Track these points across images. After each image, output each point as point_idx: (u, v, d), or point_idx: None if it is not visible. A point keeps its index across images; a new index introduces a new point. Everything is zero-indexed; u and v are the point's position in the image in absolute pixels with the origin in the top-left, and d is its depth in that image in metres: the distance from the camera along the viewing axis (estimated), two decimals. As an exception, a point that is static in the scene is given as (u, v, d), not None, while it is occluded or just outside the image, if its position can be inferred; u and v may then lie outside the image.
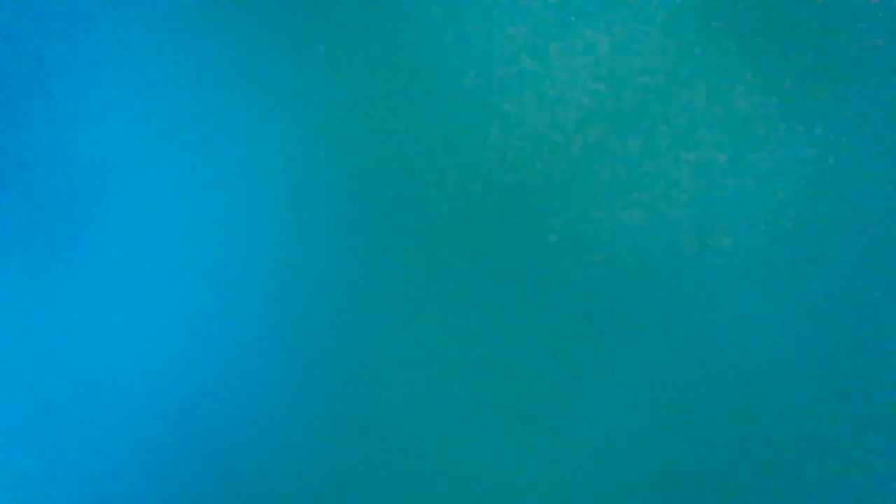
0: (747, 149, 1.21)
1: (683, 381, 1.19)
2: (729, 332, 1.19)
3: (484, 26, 1.24)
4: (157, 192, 1.24)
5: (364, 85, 1.24)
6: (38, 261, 1.23)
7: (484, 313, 1.22)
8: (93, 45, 1.25)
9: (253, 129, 1.25)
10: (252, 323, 1.22)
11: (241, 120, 1.25)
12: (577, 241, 1.21)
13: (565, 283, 1.21)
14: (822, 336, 1.19)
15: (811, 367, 1.19)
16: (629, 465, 1.19)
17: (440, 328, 1.22)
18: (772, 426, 1.18)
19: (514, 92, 1.24)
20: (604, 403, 1.20)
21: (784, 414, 1.19)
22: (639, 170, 1.22)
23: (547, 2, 1.24)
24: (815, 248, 1.20)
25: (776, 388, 1.19)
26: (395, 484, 1.20)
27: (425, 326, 1.22)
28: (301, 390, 1.22)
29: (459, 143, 1.23)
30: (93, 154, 1.25)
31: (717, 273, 1.20)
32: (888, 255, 1.19)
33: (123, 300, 1.23)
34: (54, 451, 1.21)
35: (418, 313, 1.22)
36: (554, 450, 1.19)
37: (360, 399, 1.21)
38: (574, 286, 1.21)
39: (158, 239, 1.23)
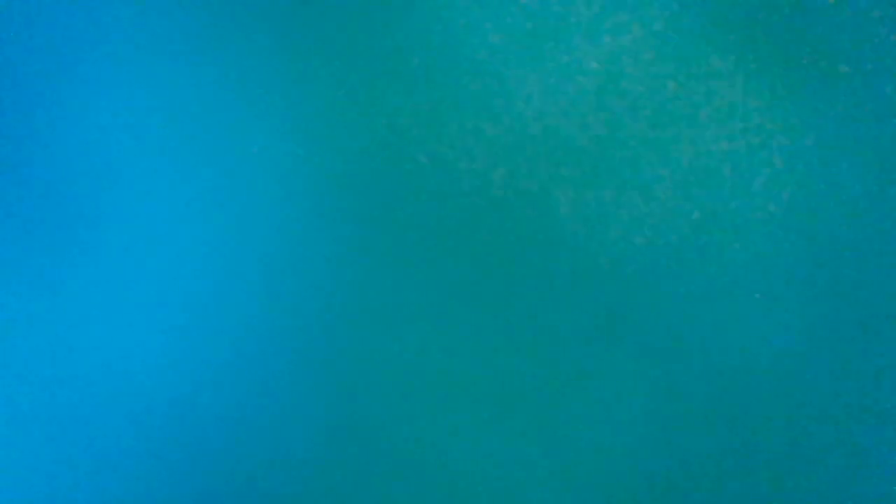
0: (749, 150, 1.21)
1: (684, 382, 1.20)
2: (730, 332, 1.19)
3: (486, 28, 1.24)
4: (158, 193, 1.24)
5: (366, 85, 1.25)
6: (38, 260, 1.23)
7: (484, 314, 1.22)
8: (93, 44, 1.26)
9: (252, 130, 1.25)
10: (252, 322, 1.22)
11: (241, 121, 1.25)
12: (578, 243, 1.21)
13: (566, 285, 1.21)
14: (822, 335, 1.19)
15: (812, 367, 1.19)
16: (630, 466, 1.19)
17: (441, 329, 1.22)
18: (772, 426, 1.19)
19: (515, 94, 1.24)
20: (605, 404, 1.20)
21: (784, 414, 1.19)
22: (641, 172, 1.22)
23: (550, 5, 1.24)
24: (817, 248, 1.20)
25: (777, 389, 1.19)
26: (394, 483, 1.20)
27: (425, 328, 1.22)
28: (300, 388, 1.22)
29: (461, 144, 1.23)
30: (93, 154, 1.25)
31: (719, 273, 1.20)
32: (889, 255, 1.19)
33: (123, 299, 1.23)
34: (54, 449, 1.21)
35: (418, 315, 1.22)
36: (556, 450, 1.19)
37: (361, 398, 1.21)
38: (575, 287, 1.21)
39: (158, 238, 1.24)
